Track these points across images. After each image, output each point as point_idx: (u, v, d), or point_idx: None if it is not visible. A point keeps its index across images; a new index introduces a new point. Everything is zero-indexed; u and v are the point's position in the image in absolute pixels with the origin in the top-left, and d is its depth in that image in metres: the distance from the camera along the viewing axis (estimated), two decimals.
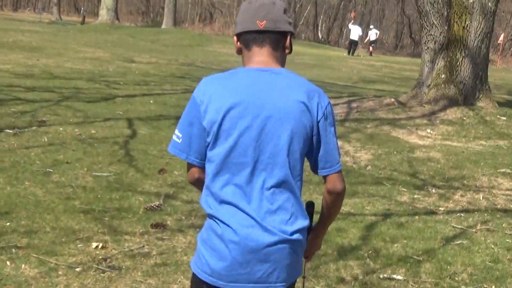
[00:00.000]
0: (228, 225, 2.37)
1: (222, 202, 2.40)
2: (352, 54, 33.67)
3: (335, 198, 2.55)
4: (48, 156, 7.04)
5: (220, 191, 2.41)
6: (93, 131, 8.35)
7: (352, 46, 34.42)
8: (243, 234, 2.36)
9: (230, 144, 2.38)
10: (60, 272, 4.33)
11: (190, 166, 2.56)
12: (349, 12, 51.63)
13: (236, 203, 2.38)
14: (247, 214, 2.37)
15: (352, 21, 35.97)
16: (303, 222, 2.47)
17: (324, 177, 2.54)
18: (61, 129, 8.23)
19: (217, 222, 2.41)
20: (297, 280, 2.58)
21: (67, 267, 4.42)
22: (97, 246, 4.81)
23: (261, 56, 2.49)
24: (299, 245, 2.47)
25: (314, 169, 2.53)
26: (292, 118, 2.39)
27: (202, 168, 2.51)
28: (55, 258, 4.55)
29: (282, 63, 2.54)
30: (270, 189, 2.39)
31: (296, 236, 2.42)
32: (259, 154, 2.39)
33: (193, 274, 2.49)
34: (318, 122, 2.44)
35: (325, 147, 2.48)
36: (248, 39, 2.50)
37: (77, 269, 4.41)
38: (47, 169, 6.57)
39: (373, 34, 36.87)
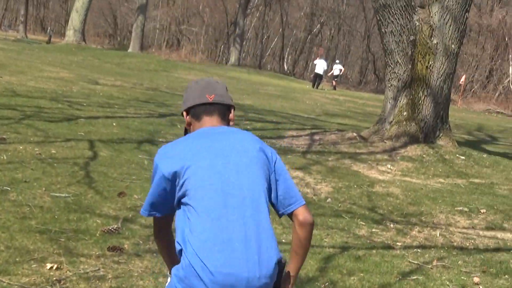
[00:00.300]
0: None
1: None
2: (317, 87, 33.99)
3: (309, 230, 2.67)
4: (6, 174, 6.94)
5: None
6: (53, 151, 8.25)
7: (317, 79, 34.76)
8: None
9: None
10: None
11: None
12: (315, 46, 52.29)
13: None
14: None
15: (318, 57, 36.31)
16: None
17: (291, 214, 2.66)
18: (21, 147, 8.13)
19: None
20: None
21: (20, 287, 4.35)
22: (51, 267, 4.74)
23: (211, 123, 2.81)
24: None
25: (280, 208, 2.69)
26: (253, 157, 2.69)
27: None
28: (8, 277, 4.47)
29: None
30: None
31: None
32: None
33: None
34: (274, 163, 2.71)
35: (285, 185, 2.69)
36: (199, 111, 2.82)
37: None
38: (4, 187, 6.47)
39: (337, 69, 37.24)
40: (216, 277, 2.41)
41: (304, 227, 2.64)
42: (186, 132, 2.90)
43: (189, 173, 2.58)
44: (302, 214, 2.64)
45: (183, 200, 2.59)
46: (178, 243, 2.56)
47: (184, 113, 2.86)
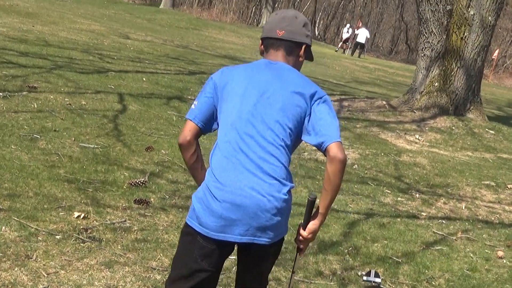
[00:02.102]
0: None
1: None
2: (359, 56, 33.77)
3: (337, 166, 2.65)
4: (36, 122, 6.99)
5: None
6: (83, 102, 8.29)
7: (358, 48, 34.49)
8: None
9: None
10: (40, 238, 4.31)
11: None
12: (347, 12, 51.72)
13: None
14: None
15: (358, 27, 35.84)
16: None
17: (326, 150, 2.66)
18: (51, 97, 8.17)
19: None
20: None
21: (48, 233, 4.40)
22: (78, 216, 4.79)
23: (275, 57, 2.88)
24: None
25: (317, 145, 2.70)
26: (285, 96, 2.73)
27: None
28: (36, 223, 4.52)
29: (293, 67, 2.89)
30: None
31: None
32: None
33: None
34: (312, 104, 2.73)
35: (320, 124, 2.70)
36: (267, 43, 2.91)
37: (57, 237, 4.38)
38: (34, 135, 6.53)
39: (345, 33, 36.73)
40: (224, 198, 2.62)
41: (333, 162, 2.63)
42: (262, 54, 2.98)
43: (225, 93, 2.77)
44: (332, 149, 2.63)
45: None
46: None
47: (260, 41, 2.95)
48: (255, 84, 2.75)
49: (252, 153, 2.63)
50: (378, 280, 4.50)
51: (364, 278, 4.51)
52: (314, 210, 2.78)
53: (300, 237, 2.81)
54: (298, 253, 2.91)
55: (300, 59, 2.92)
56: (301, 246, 2.86)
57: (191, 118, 2.80)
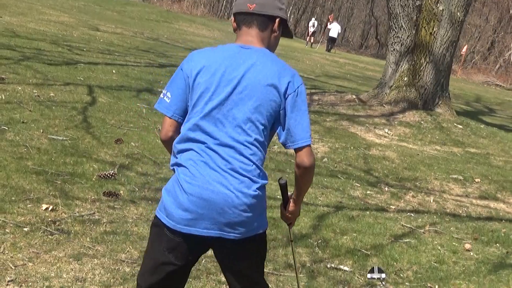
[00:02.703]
0: None
1: None
2: (329, 51, 33.95)
3: (303, 172, 2.69)
4: (4, 113, 6.90)
5: None
6: (52, 94, 8.20)
7: (331, 43, 34.72)
8: None
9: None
10: (7, 230, 4.26)
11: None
12: (318, 7, 51.83)
13: None
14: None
15: (330, 22, 36.04)
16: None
17: (295, 154, 2.68)
18: (19, 88, 8.07)
19: None
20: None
21: (15, 225, 4.35)
22: (47, 208, 4.74)
23: (248, 36, 2.74)
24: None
25: (283, 142, 2.68)
26: (259, 91, 2.61)
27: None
28: (3, 215, 4.47)
29: (268, 44, 2.78)
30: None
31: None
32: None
33: None
34: (286, 98, 2.62)
35: (291, 122, 2.63)
36: (239, 19, 2.76)
37: (25, 229, 4.34)
38: (2, 127, 6.44)
39: (311, 27, 37.20)
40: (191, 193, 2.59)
41: (299, 168, 2.68)
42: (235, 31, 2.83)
43: (195, 84, 2.65)
44: (299, 156, 2.65)
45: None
46: None
47: (232, 18, 2.82)
48: (227, 77, 2.61)
49: (222, 151, 2.58)
50: (383, 275, 4.53)
51: (369, 276, 4.53)
52: (290, 193, 2.89)
53: (284, 217, 2.96)
54: (289, 226, 3.06)
55: (275, 34, 2.79)
56: (288, 222, 3.01)
57: (170, 115, 2.73)
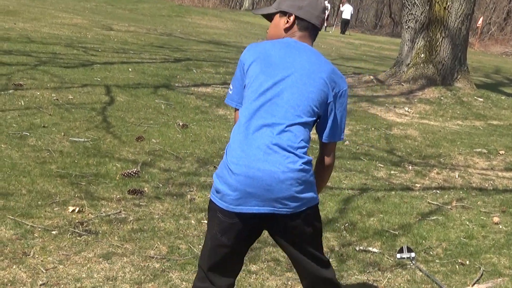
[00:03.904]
0: None
1: None
2: (343, 33, 33.76)
3: (324, 168, 3.00)
4: (24, 119, 6.95)
5: None
6: (70, 97, 8.25)
7: (344, 25, 34.53)
8: None
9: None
10: (36, 235, 4.30)
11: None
12: None
13: None
14: None
15: (342, 3, 35.85)
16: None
17: (321, 145, 2.94)
18: (38, 93, 8.12)
19: None
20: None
21: (43, 229, 4.39)
22: (73, 210, 4.77)
23: (303, 38, 2.94)
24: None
25: (320, 133, 2.91)
26: (312, 79, 2.78)
27: None
28: (31, 220, 4.51)
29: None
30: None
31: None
32: None
33: None
34: (334, 94, 2.82)
35: (334, 118, 2.86)
36: (302, 25, 2.95)
37: (53, 232, 4.37)
38: (24, 133, 6.49)
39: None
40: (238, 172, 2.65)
41: (321, 163, 2.99)
42: None
43: (250, 70, 2.80)
44: (324, 152, 2.96)
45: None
46: None
47: (292, 17, 2.95)
48: (282, 63, 2.78)
49: (268, 131, 2.66)
50: (412, 254, 4.55)
51: (398, 256, 4.55)
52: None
53: None
54: None
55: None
56: None
57: (234, 105, 2.89)
